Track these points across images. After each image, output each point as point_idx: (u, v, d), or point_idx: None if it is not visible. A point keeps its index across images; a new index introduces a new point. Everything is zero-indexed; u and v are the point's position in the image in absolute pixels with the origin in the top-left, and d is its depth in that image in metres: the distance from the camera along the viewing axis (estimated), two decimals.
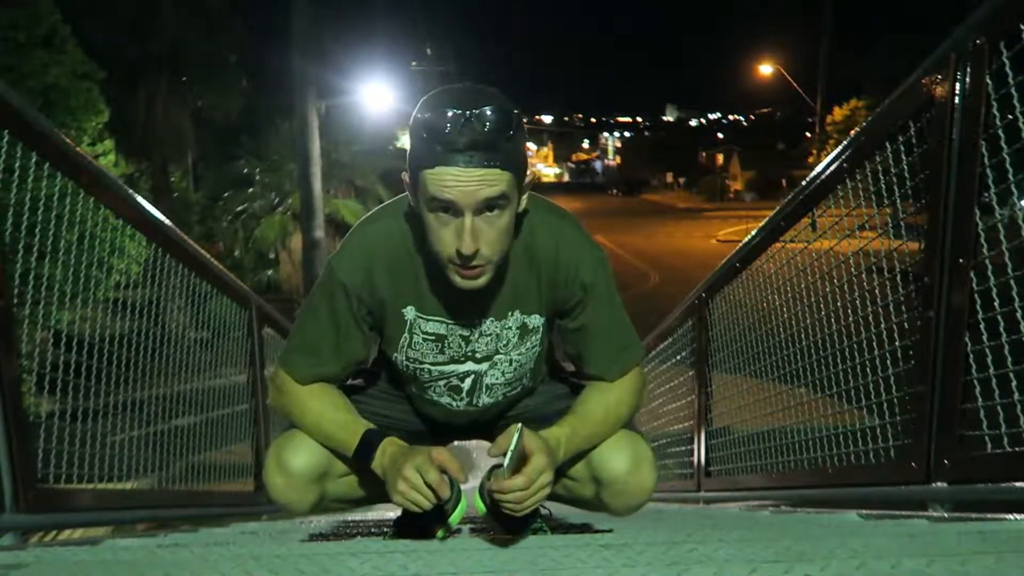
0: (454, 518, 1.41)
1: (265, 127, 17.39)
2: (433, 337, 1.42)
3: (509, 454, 1.20)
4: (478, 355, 1.45)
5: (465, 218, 1.21)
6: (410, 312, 1.41)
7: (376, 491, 1.52)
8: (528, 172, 1.27)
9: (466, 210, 1.20)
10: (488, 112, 1.18)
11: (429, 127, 1.19)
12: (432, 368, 1.46)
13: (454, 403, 1.52)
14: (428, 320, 1.41)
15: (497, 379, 1.49)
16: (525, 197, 1.30)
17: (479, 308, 1.40)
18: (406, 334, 1.42)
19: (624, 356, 1.46)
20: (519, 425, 1.24)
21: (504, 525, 1.44)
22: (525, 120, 1.26)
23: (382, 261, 1.37)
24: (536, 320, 1.44)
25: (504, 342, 1.44)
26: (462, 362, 1.45)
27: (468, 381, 1.48)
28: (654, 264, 23.26)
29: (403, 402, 1.60)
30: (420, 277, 1.38)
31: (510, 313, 1.41)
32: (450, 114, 1.18)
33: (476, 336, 1.43)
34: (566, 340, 1.48)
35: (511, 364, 1.47)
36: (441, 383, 1.49)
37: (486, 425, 1.61)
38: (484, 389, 1.50)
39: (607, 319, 1.44)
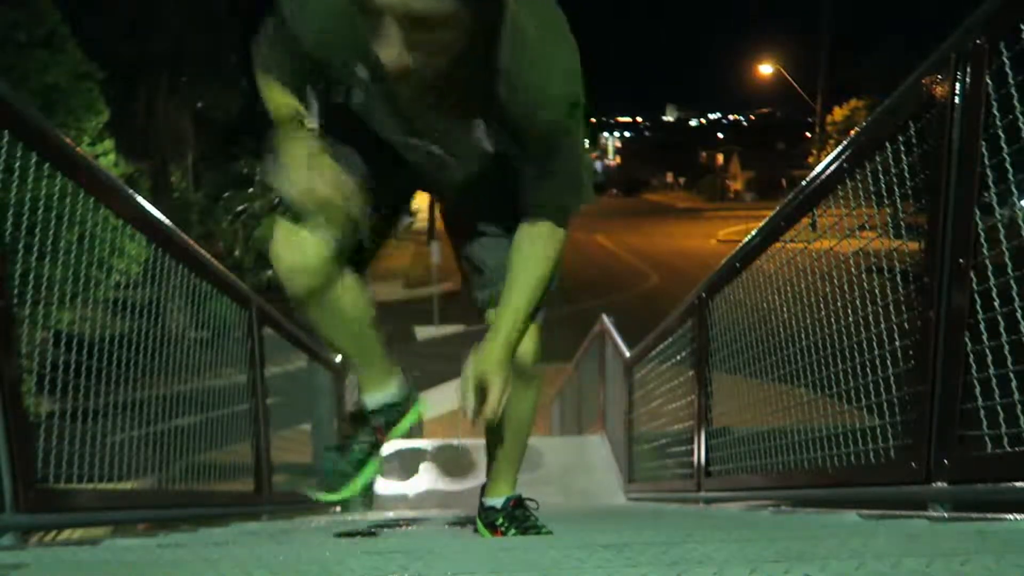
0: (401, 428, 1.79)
1: (265, 127, 17.38)
2: (385, 100, 1.33)
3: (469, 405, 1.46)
4: (434, 134, 1.37)
5: (387, 25, 0.98)
6: (362, 71, 1.30)
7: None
8: None
9: (388, 15, 0.97)
10: None
11: None
12: (389, 120, 1.39)
13: (423, 157, 1.43)
14: (379, 84, 1.28)
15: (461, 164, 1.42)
16: None
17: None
18: (360, 90, 1.34)
19: (568, 200, 1.46)
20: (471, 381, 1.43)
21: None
22: None
23: (332, 10, 1.23)
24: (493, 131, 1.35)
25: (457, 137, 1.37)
26: (419, 136, 1.38)
27: (430, 152, 1.42)
28: (654, 264, 23.25)
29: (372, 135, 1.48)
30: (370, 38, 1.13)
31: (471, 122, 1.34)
32: None
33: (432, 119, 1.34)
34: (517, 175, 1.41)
35: (473, 153, 1.39)
36: (402, 141, 1.43)
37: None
38: (449, 164, 1.43)
39: (559, 162, 1.39)
